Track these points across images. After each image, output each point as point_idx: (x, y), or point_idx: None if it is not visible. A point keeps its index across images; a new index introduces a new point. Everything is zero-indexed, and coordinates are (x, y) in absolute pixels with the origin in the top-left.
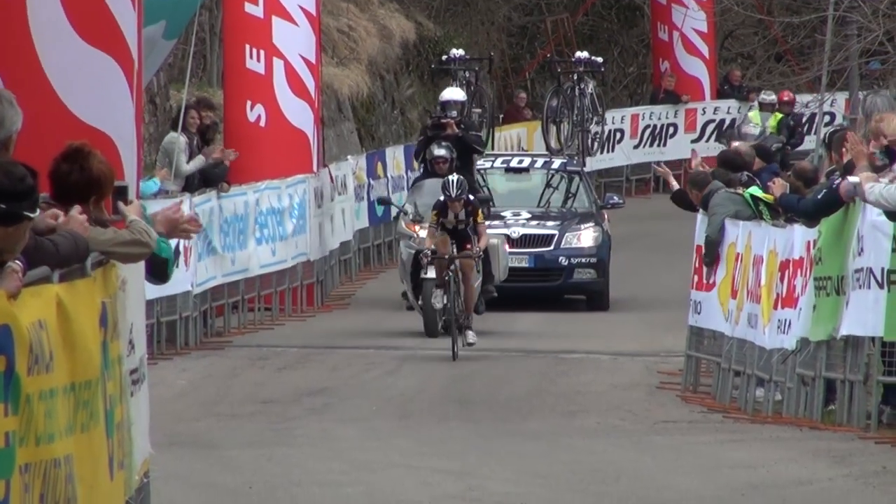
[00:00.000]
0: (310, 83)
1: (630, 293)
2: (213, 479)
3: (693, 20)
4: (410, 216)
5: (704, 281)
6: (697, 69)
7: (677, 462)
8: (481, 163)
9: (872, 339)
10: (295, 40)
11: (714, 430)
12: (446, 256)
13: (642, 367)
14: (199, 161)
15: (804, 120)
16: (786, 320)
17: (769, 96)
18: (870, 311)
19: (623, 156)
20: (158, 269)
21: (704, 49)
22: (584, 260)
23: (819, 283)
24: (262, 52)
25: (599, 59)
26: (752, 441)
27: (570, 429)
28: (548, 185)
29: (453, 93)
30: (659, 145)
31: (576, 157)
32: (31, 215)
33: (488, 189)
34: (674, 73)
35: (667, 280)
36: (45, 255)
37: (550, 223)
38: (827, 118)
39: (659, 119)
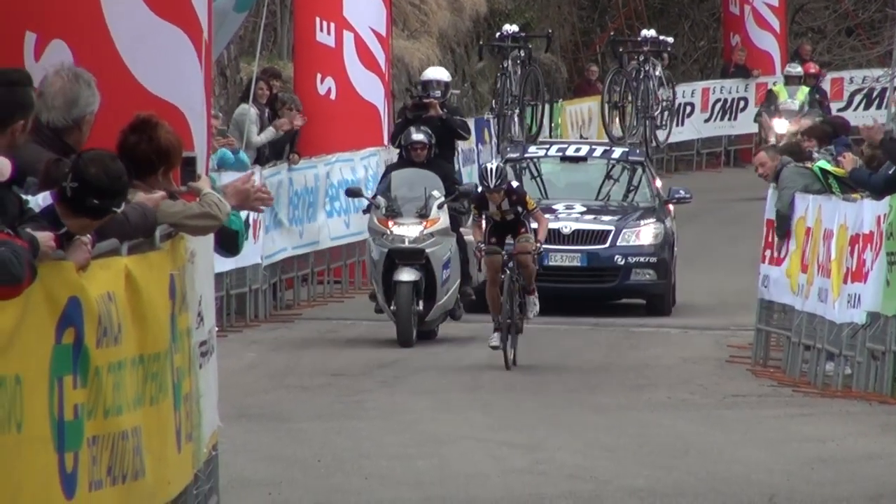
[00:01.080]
0: (380, 56)
1: (700, 266)
2: (282, 452)
3: None
4: (383, 210)
5: (775, 255)
6: (768, 43)
7: (746, 436)
8: (534, 149)
9: None
10: (366, 13)
11: (784, 405)
12: (503, 254)
13: (712, 340)
14: (269, 133)
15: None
16: (856, 294)
17: (795, 69)
18: None
19: (693, 130)
20: (228, 242)
21: (775, 23)
22: (642, 259)
23: (891, 258)
24: (332, 25)
25: (669, 39)
26: (822, 415)
27: (639, 402)
28: (608, 176)
29: (436, 72)
30: (729, 119)
31: (639, 147)
32: (118, 211)
33: (541, 179)
34: (744, 47)
35: (737, 253)
36: (115, 226)
37: (607, 218)
38: None
39: (729, 93)
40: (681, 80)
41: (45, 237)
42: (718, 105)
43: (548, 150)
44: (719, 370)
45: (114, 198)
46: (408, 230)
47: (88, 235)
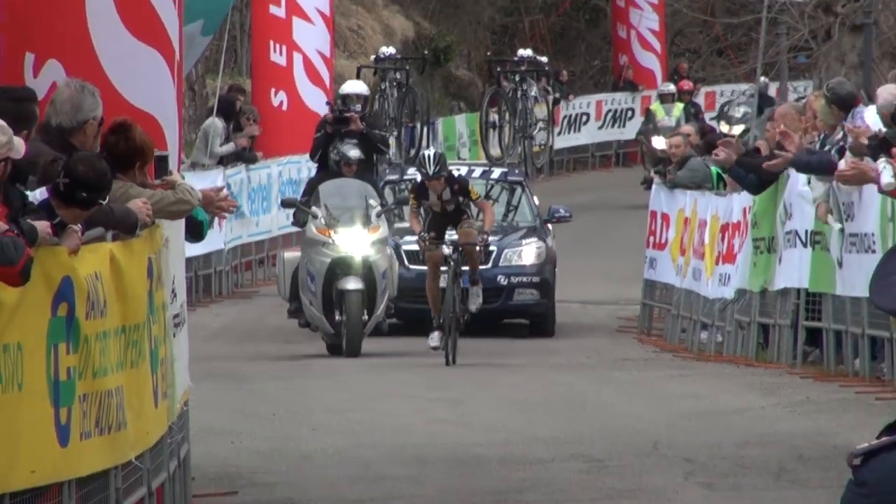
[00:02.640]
0: (325, 74)
1: (593, 251)
2: (243, 407)
3: (647, 20)
4: (322, 220)
5: (658, 241)
6: (651, 62)
7: (634, 393)
8: (412, 171)
9: (798, 290)
10: (312, 37)
11: (665, 367)
12: (446, 245)
13: (605, 313)
14: (229, 147)
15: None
16: (726, 274)
17: (667, 88)
18: (796, 266)
19: (588, 135)
20: (195, 230)
21: (657, 45)
22: (525, 279)
23: (756, 244)
24: (283, 47)
25: (544, 59)
26: (697, 376)
27: (545, 365)
28: (486, 197)
29: (355, 85)
30: (619, 127)
31: (518, 167)
32: (104, 203)
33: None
34: (631, 65)
35: (624, 240)
36: (101, 216)
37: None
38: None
39: (619, 104)
40: (579, 93)
41: (42, 226)
42: (610, 115)
43: None
44: (611, 338)
45: (99, 191)
46: (351, 239)
47: (79, 224)
